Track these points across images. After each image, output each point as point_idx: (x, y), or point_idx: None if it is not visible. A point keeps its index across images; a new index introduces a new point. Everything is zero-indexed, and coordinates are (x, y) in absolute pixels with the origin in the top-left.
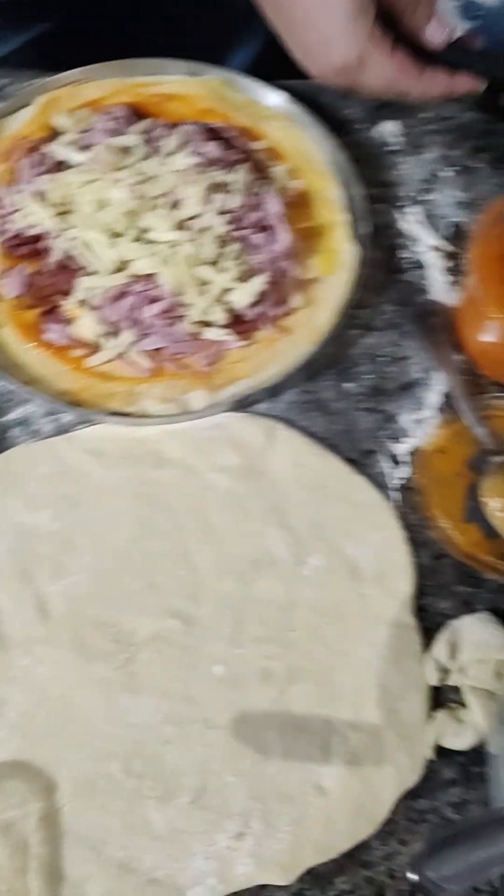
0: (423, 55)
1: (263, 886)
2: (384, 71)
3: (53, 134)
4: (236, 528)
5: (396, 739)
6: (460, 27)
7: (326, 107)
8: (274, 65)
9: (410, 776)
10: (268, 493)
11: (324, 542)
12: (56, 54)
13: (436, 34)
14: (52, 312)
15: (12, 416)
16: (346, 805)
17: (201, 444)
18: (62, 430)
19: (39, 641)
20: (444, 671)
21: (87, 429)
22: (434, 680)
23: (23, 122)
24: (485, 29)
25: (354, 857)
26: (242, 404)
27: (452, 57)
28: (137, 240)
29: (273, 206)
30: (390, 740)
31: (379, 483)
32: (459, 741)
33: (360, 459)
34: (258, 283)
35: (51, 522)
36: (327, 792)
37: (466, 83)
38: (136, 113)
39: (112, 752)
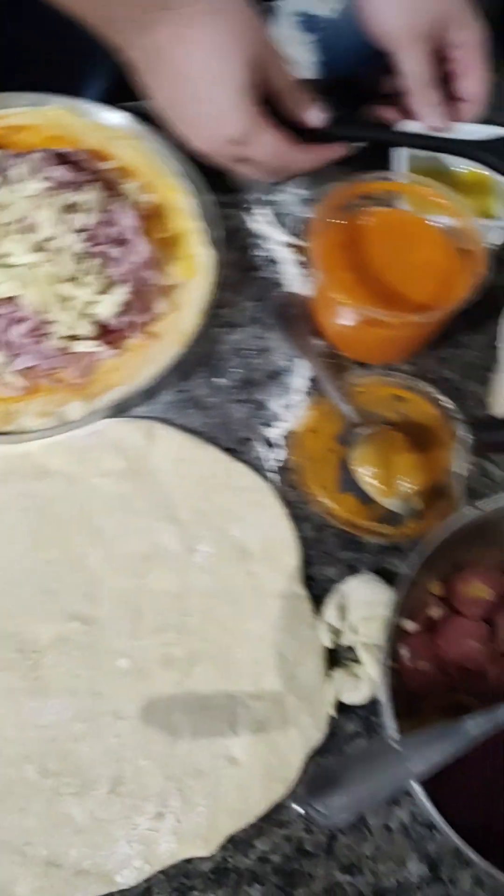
0: (302, 134)
1: (189, 860)
2: (272, 143)
3: None
4: (125, 527)
5: (298, 702)
6: (302, 40)
7: (163, 125)
8: (126, 94)
9: (315, 734)
10: (152, 490)
11: (211, 529)
12: None
13: (315, 117)
14: None
15: None
16: (257, 771)
17: (83, 452)
18: None
19: None
20: (337, 632)
21: None
22: (327, 642)
23: None
24: (325, 41)
25: (271, 819)
26: (120, 410)
27: (329, 130)
28: None
29: (128, 221)
30: (292, 704)
31: (258, 467)
32: (357, 695)
33: (238, 448)
34: (120, 295)
35: None
36: (238, 762)
37: (341, 150)
38: None
39: (26, 756)
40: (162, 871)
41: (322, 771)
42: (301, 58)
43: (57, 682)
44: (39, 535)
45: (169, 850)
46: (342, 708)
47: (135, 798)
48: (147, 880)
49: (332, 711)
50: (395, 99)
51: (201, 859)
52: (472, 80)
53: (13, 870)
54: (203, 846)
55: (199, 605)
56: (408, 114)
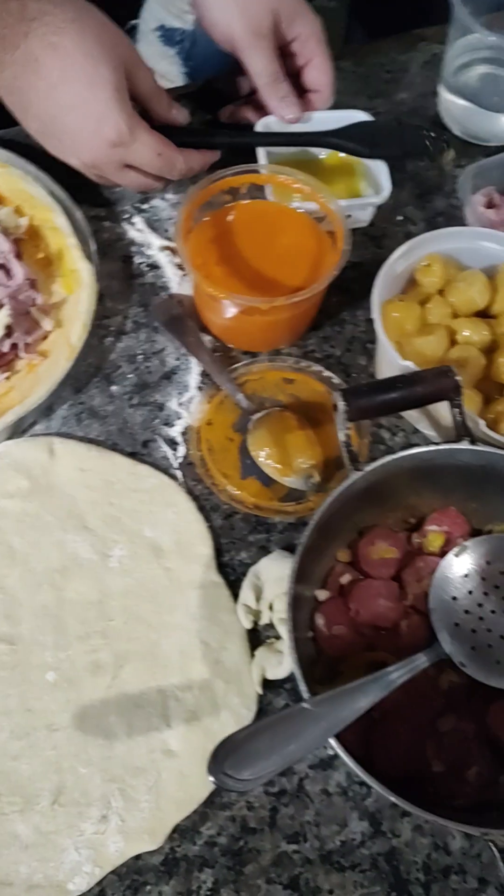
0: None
1: (138, 856)
2: (153, 142)
3: None
4: (37, 543)
5: (226, 686)
6: (165, 53)
7: (33, 148)
8: None
9: (246, 714)
10: (60, 503)
11: (123, 533)
12: None
13: (182, 115)
14: None
15: None
16: (194, 759)
17: None
18: None
19: None
20: (255, 613)
21: None
22: (247, 624)
23: None
24: (186, 51)
25: (214, 803)
26: (17, 431)
27: (197, 138)
28: None
29: (2, 245)
30: (220, 688)
31: (163, 466)
32: (281, 670)
33: (141, 450)
34: (2, 317)
35: None
36: (175, 752)
37: (214, 155)
38: None
39: None
40: (113, 872)
41: (230, 739)
42: (167, 70)
43: None
44: None
45: (117, 850)
46: (268, 684)
47: (78, 805)
48: (99, 883)
49: (259, 689)
50: (252, 98)
51: (150, 853)
52: (317, 70)
53: None
54: (150, 840)
55: (120, 607)
56: (263, 110)
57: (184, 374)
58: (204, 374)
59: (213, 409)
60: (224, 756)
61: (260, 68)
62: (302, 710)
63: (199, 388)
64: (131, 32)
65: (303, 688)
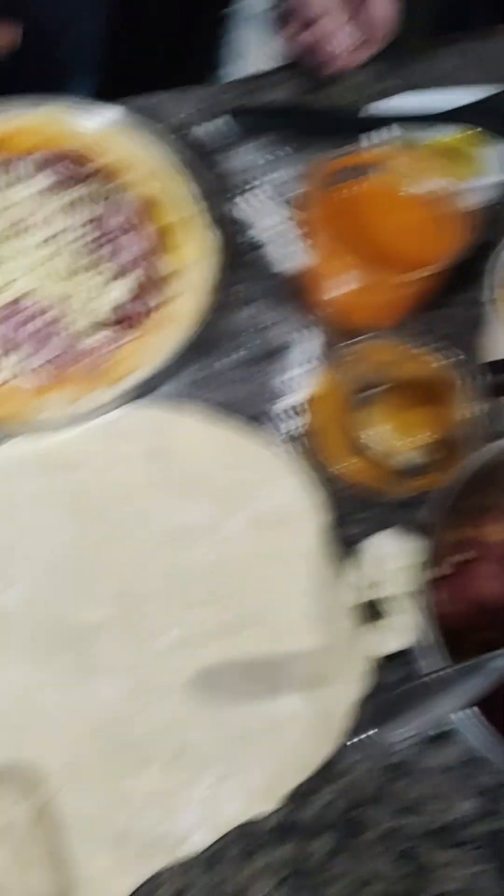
0: None
1: (253, 820)
2: None
3: None
4: (156, 507)
5: (337, 658)
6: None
7: (158, 116)
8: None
9: (357, 686)
10: (177, 469)
11: (238, 501)
12: None
13: None
14: None
15: None
16: (307, 727)
17: (109, 439)
18: None
19: None
20: (366, 588)
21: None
22: (358, 598)
23: None
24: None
25: (327, 772)
26: (138, 394)
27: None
28: (4, 264)
29: (129, 211)
30: (332, 660)
31: (276, 438)
32: (392, 645)
33: (256, 421)
34: (129, 282)
35: None
36: (291, 719)
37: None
38: None
39: (87, 735)
40: (228, 833)
41: (391, 699)
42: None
43: (109, 663)
44: (79, 522)
45: (233, 811)
46: (378, 660)
47: (196, 765)
48: (216, 843)
49: (368, 664)
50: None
51: (265, 818)
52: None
53: (88, 847)
54: (265, 804)
55: (236, 574)
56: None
57: (297, 349)
58: (318, 350)
59: (326, 384)
60: (370, 716)
61: None
62: (443, 676)
63: (313, 363)
64: (229, 19)
65: (435, 662)
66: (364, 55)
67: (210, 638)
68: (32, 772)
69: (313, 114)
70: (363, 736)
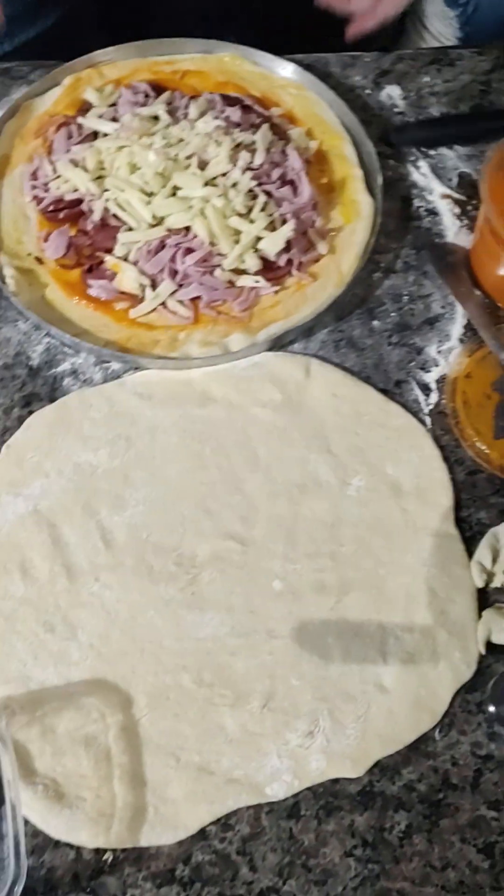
0: None
1: (336, 780)
2: None
3: (82, 110)
4: (281, 456)
5: (448, 638)
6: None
7: (333, 75)
8: (278, 41)
9: (465, 671)
10: (308, 423)
11: (365, 465)
12: (63, 45)
13: None
14: (94, 270)
15: (64, 367)
16: (406, 700)
17: (242, 383)
18: (111, 378)
19: (106, 569)
20: (489, 574)
21: (134, 375)
22: (480, 582)
23: (51, 101)
24: (464, 15)
25: (418, 749)
26: (278, 345)
27: None
28: (171, 197)
29: (294, 162)
30: (443, 639)
31: (412, 409)
32: None
33: (393, 389)
34: (285, 232)
35: (108, 461)
36: (388, 689)
37: None
38: (157, 88)
39: (183, 666)
40: (309, 789)
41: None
42: (442, 31)
43: (213, 597)
44: (200, 457)
45: (318, 768)
46: (491, 648)
47: (286, 715)
48: (295, 795)
49: (482, 649)
50: None
51: (349, 781)
52: None
53: (167, 772)
54: (351, 768)
55: (353, 535)
56: None
57: (447, 323)
58: (468, 327)
59: (473, 363)
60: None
61: None
62: None
63: (462, 340)
64: None
65: None
66: None
67: (313, 593)
68: (123, 691)
69: (475, 117)
70: (492, 707)
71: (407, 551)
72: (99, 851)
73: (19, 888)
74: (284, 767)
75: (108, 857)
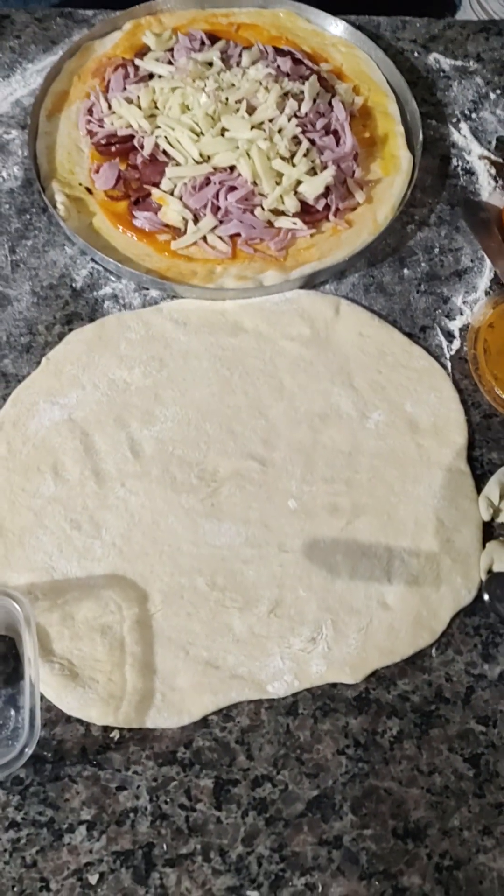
0: None
1: (334, 685)
2: None
3: (139, 54)
4: (306, 387)
5: (452, 564)
6: None
7: (383, 37)
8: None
9: (466, 596)
10: (334, 358)
11: (385, 400)
12: None
13: None
14: (140, 202)
15: (105, 290)
16: (407, 618)
17: (273, 316)
18: (149, 304)
19: (132, 476)
20: (495, 510)
21: (171, 302)
22: (486, 516)
23: (111, 44)
24: None
25: (415, 664)
26: (310, 284)
27: None
28: (219, 137)
29: (339, 113)
30: (446, 565)
31: (434, 354)
32: None
33: (418, 334)
34: (326, 177)
35: (141, 379)
36: (390, 606)
37: None
38: (213, 38)
39: (198, 569)
40: (308, 690)
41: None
42: (498, 9)
43: (231, 510)
44: (228, 382)
45: (318, 671)
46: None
47: (292, 621)
48: (294, 695)
49: (483, 576)
50: None
51: (346, 686)
52: None
53: (177, 664)
54: (350, 674)
55: (368, 464)
56: None
57: (475, 276)
58: (495, 281)
59: (497, 314)
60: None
61: None
62: None
63: (488, 293)
64: None
65: None
66: None
67: (326, 514)
68: (141, 588)
69: None
70: (487, 596)
71: (419, 483)
72: (107, 729)
73: (29, 750)
74: (286, 668)
75: (115, 734)
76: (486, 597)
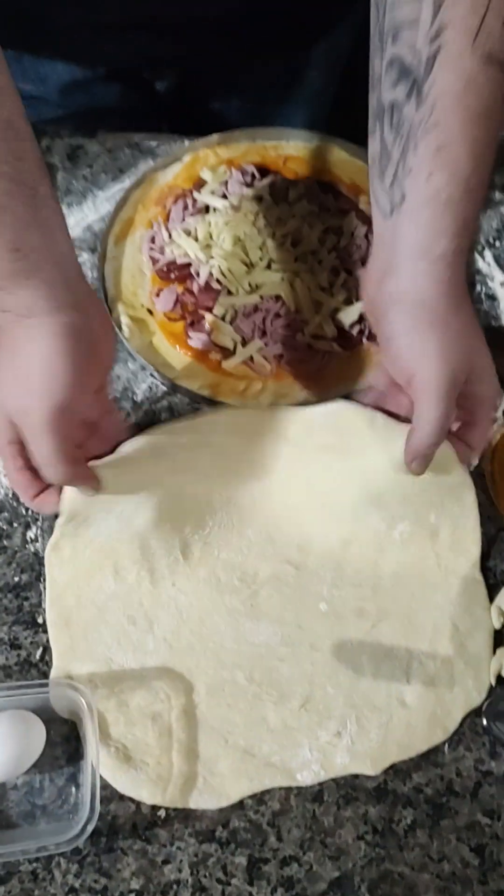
0: None
1: (356, 776)
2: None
3: (198, 185)
4: (338, 497)
5: (465, 668)
6: None
7: None
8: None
9: (476, 697)
10: (364, 470)
11: (412, 513)
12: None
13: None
14: (195, 324)
15: (162, 404)
16: (423, 716)
17: (310, 427)
18: (199, 416)
19: (182, 577)
20: None
21: (219, 413)
22: (497, 624)
23: (172, 175)
24: None
25: (429, 759)
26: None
27: None
28: (267, 268)
29: (359, 229)
30: (460, 668)
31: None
32: None
33: None
34: (360, 307)
35: (193, 484)
36: (408, 705)
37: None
38: (263, 169)
39: (238, 664)
40: (333, 779)
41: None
42: None
43: (269, 611)
44: (268, 487)
45: (342, 763)
46: (501, 681)
47: (320, 715)
48: (320, 784)
49: (493, 681)
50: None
51: (366, 777)
52: (477, 432)
53: (217, 750)
54: (370, 767)
55: (392, 572)
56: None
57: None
58: None
59: None
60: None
61: (433, 421)
62: None
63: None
64: None
65: None
66: None
67: (353, 617)
68: (187, 680)
69: None
70: (485, 720)
71: (437, 590)
72: (155, 808)
73: (91, 827)
74: (314, 759)
75: (162, 813)
76: (484, 721)
